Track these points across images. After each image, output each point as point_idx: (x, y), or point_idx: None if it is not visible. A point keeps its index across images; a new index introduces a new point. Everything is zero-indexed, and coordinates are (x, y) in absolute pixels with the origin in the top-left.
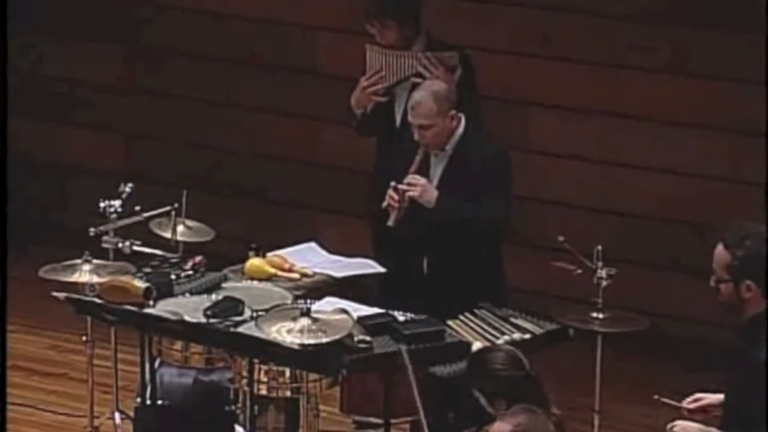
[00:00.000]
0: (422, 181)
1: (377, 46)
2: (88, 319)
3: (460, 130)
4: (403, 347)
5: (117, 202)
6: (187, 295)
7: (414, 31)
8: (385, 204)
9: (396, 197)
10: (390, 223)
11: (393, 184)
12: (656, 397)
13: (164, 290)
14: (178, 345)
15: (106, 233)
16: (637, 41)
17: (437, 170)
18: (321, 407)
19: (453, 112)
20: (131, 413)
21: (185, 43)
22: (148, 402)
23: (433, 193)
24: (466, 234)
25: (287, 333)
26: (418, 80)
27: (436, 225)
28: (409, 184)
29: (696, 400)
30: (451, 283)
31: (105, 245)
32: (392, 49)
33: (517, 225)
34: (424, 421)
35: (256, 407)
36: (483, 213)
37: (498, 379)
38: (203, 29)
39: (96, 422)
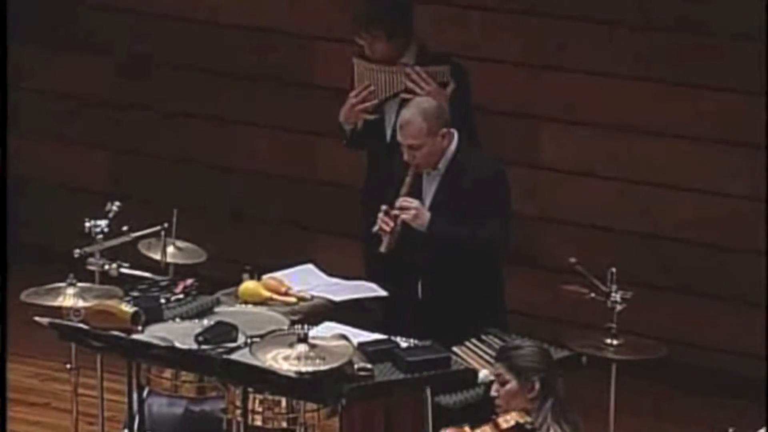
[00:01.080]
0: (415, 203)
1: (364, 60)
2: (73, 345)
3: (453, 147)
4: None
5: (103, 222)
6: (178, 320)
7: (404, 43)
8: (376, 229)
9: (388, 221)
10: (382, 249)
11: (384, 207)
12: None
13: (153, 315)
14: (168, 373)
15: (92, 255)
16: (656, 52)
17: (429, 190)
18: None
19: (444, 130)
20: None
21: (176, 54)
22: None
23: (425, 216)
24: (461, 257)
25: (283, 360)
26: (409, 96)
27: (429, 248)
28: (401, 208)
29: None
30: (447, 308)
31: (90, 267)
32: (382, 62)
33: (527, 246)
34: None
35: None
36: (478, 235)
37: (528, 371)
38: (195, 40)
39: None
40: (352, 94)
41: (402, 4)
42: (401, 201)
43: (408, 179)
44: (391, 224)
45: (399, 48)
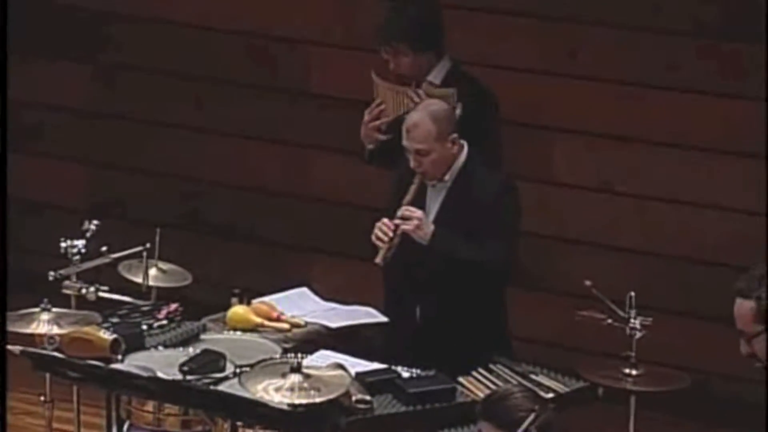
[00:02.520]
0: (418, 213)
1: (379, 76)
2: (47, 376)
3: (462, 158)
4: None
5: (80, 242)
6: (161, 348)
7: (433, 59)
8: (373, 238)
9: (387, 231)
10: (378, 260)
11: (384, 219)
12: None
13: (134, 343)
14: (150, 406)
15: (68, 278)
16: (678, 58)
17: (434, 203)
18: None
19: (454, 136)
20: None
21: (158, 60)
22: None
23: (428, 228)
24: (464, 278)
25: (275, 391)
26: None
27: (430, 267)
28: (402, 217)
29: None
30: (450, 334)
31: (66, 291)
32: (399, 80)
33: (538, 268)
34: None
35: None
36: (484, 254)
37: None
38: (178, 44)
39: None
40: (366, 111)
41: (431, 14)
42: (403, 210)
43: (413, 187)
44: (390, 234)
45: (426, 64)
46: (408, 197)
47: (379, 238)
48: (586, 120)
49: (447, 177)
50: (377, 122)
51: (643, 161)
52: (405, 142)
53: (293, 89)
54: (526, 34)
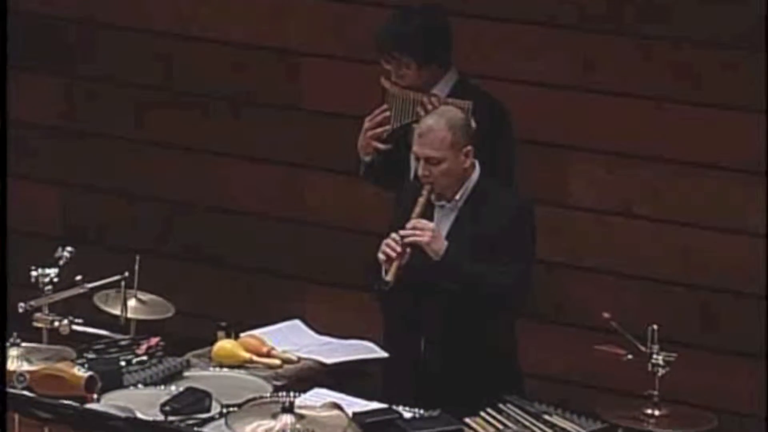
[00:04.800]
0: (430, 225)
1: (389, 80)
2: (16, 416)
3: (475, 177)
4: None
5: (52, 271)
6: (140, 386)
7: (438, 72)
8: (380, 255)
9: (395, 247)
10: (389, 278)
11: (392, 234)
12: None
13: (111, 380)
14: None
15: (39, 309)
16: (704, 71)
17: (443, 225)
18: None
19: (468, 148)
20: None
21: (138, 74)
22: None
23: (442, 243)
24: (473, 306)
25: None
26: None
27: (436, 294)
28: (414, 229)
29: None
30: (453, 371)
31: (37, 324)
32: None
33: (552, 298)
34: None
35: None
36: (497, 278)
37: None
38: (159, 56)
39: None
40: (368, 118)
41: (436, 24)
42: (414, 222)
43: (421, 200)
44: (399, 249)
45: (431, 76)
46: (417, 209)
47: (386, 255)
48: (602, 138)
49: (458, 196)
50: (379, 130)
51: (666, 182)
52: (415, 148)
53: (283, 104)
54: (536, 43)
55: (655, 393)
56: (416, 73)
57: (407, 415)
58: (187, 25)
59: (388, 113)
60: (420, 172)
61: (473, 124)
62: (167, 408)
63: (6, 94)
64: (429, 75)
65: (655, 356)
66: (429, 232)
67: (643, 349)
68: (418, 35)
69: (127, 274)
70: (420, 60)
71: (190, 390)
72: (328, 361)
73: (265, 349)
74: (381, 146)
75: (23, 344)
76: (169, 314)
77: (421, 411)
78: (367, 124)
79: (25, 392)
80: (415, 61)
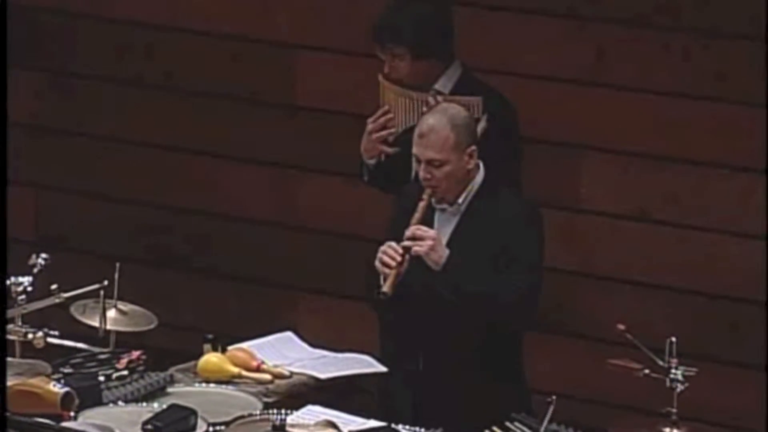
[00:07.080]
0: (431, 233)
1: (389, 79)
2: None
3: (479, 179)
4: None
5: (26, 279)
6: (121, 403)
7: (438, 66)
8: (378, 264)
9: (394, 255)
10: (386, 289)
11: (390, 242)
12: None
13: (90, 397)
14: None
15: (12, 320)
16: (725, 66)
17: (445, 230)
18: None
19: (473, 148)
20: None
21: (119, 68)
22: None
23: (443, 251)
24: (477, 318)
25: None
26: None
27: (437, 304)
28: (414, 237)
29: None
30: (456, 387)
31: (10, 337)
32: (404, 86)
33: (563, 309)
34: None
35: None
36: (503, 288)
37: None
38: (143, 49)
39: None
40: (370, 120)
41: (437, 15)
42: (414, 229)
43: (422, 204)
44: (398, 258)
45: (430, 71)
46: (417, 215)
47: (385, 264)
48: (619, 136)
49: (461, 199)
50: (384, 132)
51: (687, 185)
52: (416, 150)
53: (276, 102)
54: (546, 36)
55: (674, 410)
56: (410, 66)
57: None
58: (172, 16)
59: (391, 114)
60: (421, 174)
61: (483, 122)
62: (149, 426)
63: (6, 94)
64: (426, 69)
65: (673, 371)
66: (429, 241)
67: (660, 363)
68: (412, 26)
69: (106, 282)
70: (414, 52)
71: (174, 407)
72: (323, 376)
73: (254, 363)
74: (389, 150)
75: None
76: (152, 326)
77: (422, 430)
78: (370, 126)
79: None
80: (409, 53)
